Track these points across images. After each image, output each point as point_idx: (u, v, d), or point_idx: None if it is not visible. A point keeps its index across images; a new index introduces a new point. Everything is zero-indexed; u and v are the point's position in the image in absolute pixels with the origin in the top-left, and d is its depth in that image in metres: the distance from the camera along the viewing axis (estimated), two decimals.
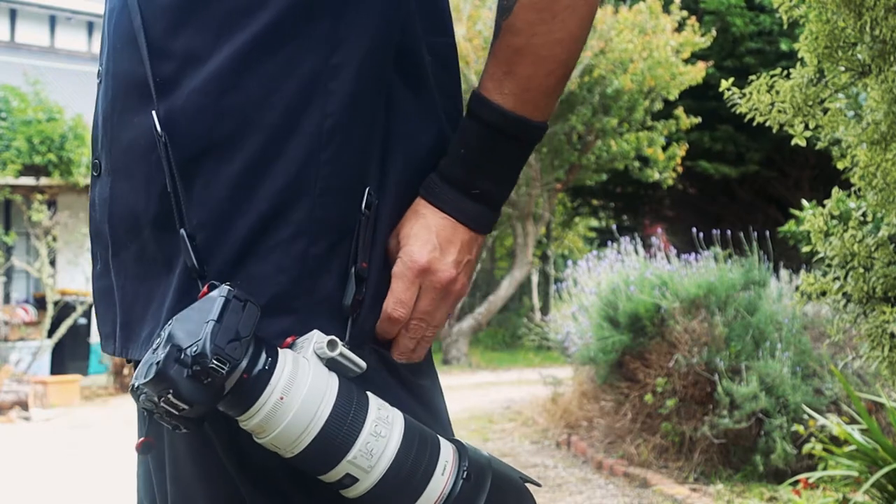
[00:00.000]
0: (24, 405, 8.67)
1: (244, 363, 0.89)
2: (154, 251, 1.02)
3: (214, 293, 0.90)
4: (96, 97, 1.11)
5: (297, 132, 0.97)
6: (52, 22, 13.97)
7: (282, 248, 0.97)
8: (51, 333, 10.33)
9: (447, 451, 0.97)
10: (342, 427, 0.91)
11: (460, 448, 0.99)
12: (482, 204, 1.02)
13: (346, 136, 0.99)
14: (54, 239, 10.50)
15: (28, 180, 10.65)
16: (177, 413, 0.89)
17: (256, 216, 0.96)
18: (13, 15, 13.80)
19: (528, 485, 1.03)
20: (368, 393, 0.95)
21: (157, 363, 0.87)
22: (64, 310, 10.43)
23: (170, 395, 0.87)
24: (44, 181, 10.68)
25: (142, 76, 1.00)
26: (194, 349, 0.87)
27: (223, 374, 0.87)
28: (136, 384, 0.89)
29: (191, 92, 0.97)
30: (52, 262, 11.07)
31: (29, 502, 5.22)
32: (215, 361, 0.86)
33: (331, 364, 0.93)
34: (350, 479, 0.92)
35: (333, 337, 0.93)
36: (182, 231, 0.96)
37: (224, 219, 0.97)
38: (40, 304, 11.03)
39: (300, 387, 0.91)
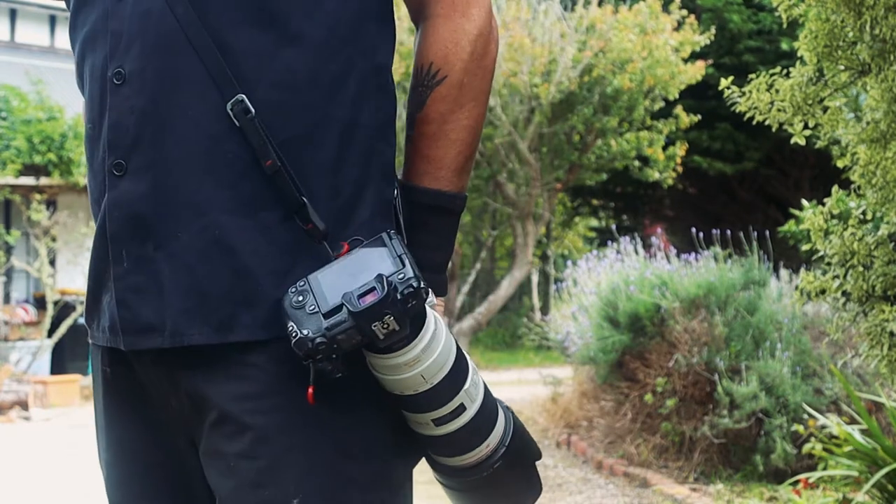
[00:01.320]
0: (24, 405, 8.66)
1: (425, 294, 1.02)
2: (221, 233, 1.08)
3: (382, 238, 1.04)
4: (108, 98, 1.12)
5: (360, 125, 1.14)
6: (52, 22, 13.97)
7: (366, 227, 1.12)
8: (51, 333, 10.32)
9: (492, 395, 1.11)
10: (462, 359, 1.05)
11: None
12: (430, 272, 1.12)
13: (392, 129, 1.19)
14: (53, 239, 10.50)
15: (28, 180, 10.64)
16: (383, 338, 0.99)
17: (344, 199, 1.12)
18: (13, 15, 13.80)
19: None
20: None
21: (372, 293, 0.98)
22: (64, 310, 10.42)
23: (388, 318, 0.98)
24: (44, 181, 10.67)
25: (200, 71, 1.08)
26: (401, 276, 1.00)
27: (425, 296, 1.01)
28: (338, 327, 0.99)
29: (269, 86, 1.09)
30: (52, 262, 11.06)
31: (29, 502, 5.22)
32: (423, 284, 1.00)
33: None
34: (461, 409, 1.04)
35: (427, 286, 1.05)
36: (304, 199, 1.08)
37: (320, 198, 1.10)
38: (40, 303, 11.02)
39: (438, 319, 1.05)
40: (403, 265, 1.00)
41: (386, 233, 1.05)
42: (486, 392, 1.07)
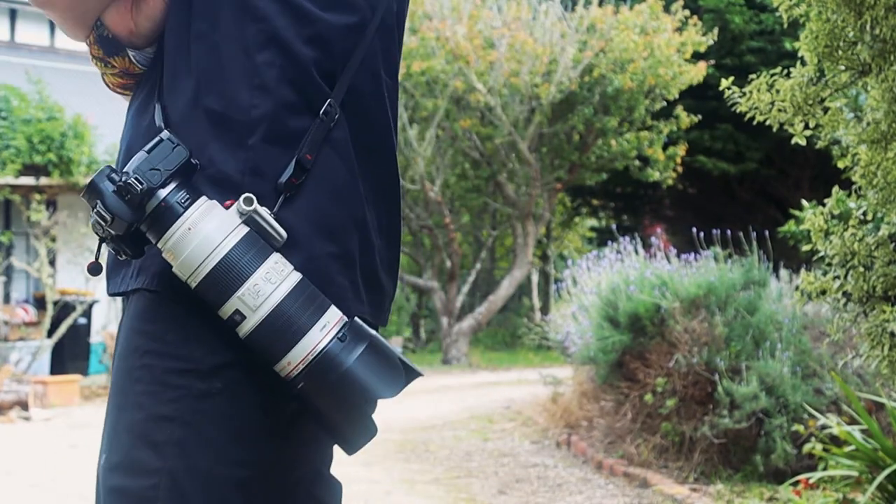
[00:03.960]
0: (23, 405, 8.66)
1: (163, 192, 1.10)
2: None
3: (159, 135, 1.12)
4: None
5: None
6: (52, 22, 13.95)
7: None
8: (51, 333, 10.32)
9: (333, 314, 1.12)
10: (236, 264, 1.09)
11: (349, 319, 1.14)
12: None
13: None
14: (53, 239, 10.49)
15: (28, 180, 10.64)
16: (104, 225, 1.09)
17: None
18: (13, 15, 13.79)
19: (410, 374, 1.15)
20: (274, 252, 1.12)
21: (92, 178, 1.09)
22: (64, 310, 10.42)
23: (98, 206, 1.09)
24: (44, 181, 10.66)
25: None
26: (120, 171, 1.10)
27: (138, 191, 1.08)
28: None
29: None
30: (52, 262, 11.06)
31: (29, 502, 5.22)
32: (134, 179, 1.08)
33: (249, 222, 1.11)
34: (239, 317, 1.09)
35: (249, 194, 1.11)
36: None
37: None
38: (40, 304, 11.01)
39: (207, 224, 1.09)
40: (132, 161, 1.10)
41: (168, 130, 1.14)
42: (291, 307, 1.09)
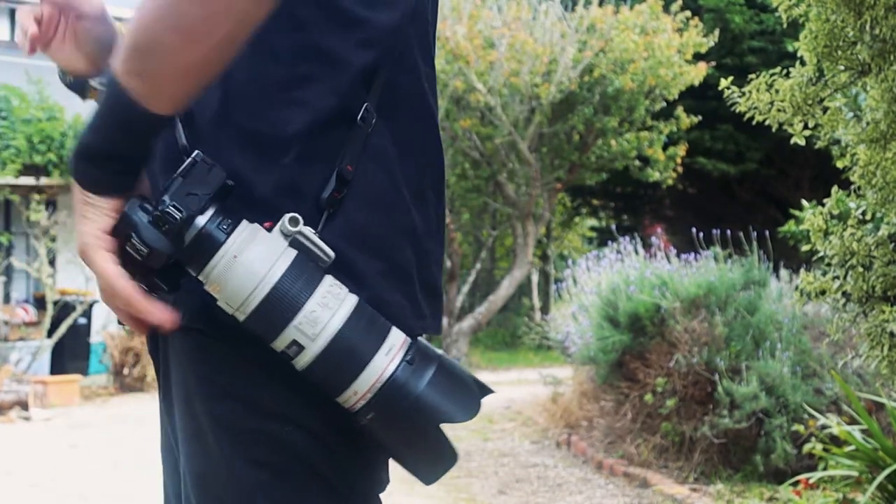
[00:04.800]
0: (23, 405, 8.66)
1: (202, 219, 0.98)
2: None
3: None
4: None
5: None
6: None
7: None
8: (51, 333, 10.32)
9: (396, 337, 1.02)
10: (289, 291, 0.98)
11: (414, 339, 1.04)
12: (77, 145, 1.04)
13: None
14: (53, 239, 10.50)
15: (28, 180, 10.64)
16: (141, 260, 0.98)
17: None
18: (13, 15, 13.78)
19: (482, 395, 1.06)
20: (328, 274, 1.02)
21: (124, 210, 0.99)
22: (64, 309, 10.42)
23: (133, 239, 0.98)
24: (44, 181, 10.67)
25: None
26: (156, 199, 0.98)
27: (178, 220, 0.97)
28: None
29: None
30: (52, 262, 11.06)
31: (29, 502, 5.22)
32: (172, 207, 0.97)
33: (295, 244, 1.01)
34: (297, 347, 0.99)
35: (294, 214, 1.00)
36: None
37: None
38: (40, 303, 11.01)
39: (253, 250, 0.99)
40: (163, 192, 0.99)
41: (198, 151, 1.01)
42: (351, 333, 0.99)
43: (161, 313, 1.01)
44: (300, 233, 1.00)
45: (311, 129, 1.05)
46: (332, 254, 1.02)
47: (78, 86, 1.19)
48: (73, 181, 1.02)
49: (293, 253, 1.00)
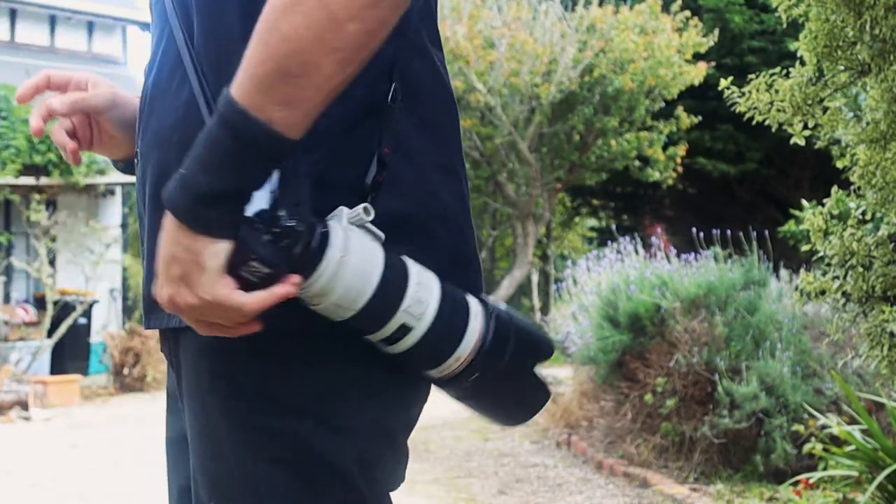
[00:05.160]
0: (23, 405, 8.66)
1: (319, 227, 0.96)
2: None
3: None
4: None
5: None
6: (52, 22, 13.95)
7: None
8: (51, 333, 10.32)
9: (471, 299, 1.05)
10: (394, 277, 0.99)
11: (481, 298, 1.07)
12: (180, 186, 0.96)
13: None
14: (53, 239, 10.50)
15: (28, 180, 10.64)
16: (256, 281, 0.94)
17: None
18: (13, 15, 13.78)
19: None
20: (403, 255, 1.03)
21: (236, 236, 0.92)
22: (64, 309, 10.42)
23: (251, 263, 0.93)
24: (44, 181, 10.67)
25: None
26: (268, 213, 0.93)
27: (302, 232, 0.94)
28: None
29: None
30: (52, 262, 11.06)
31: (29, 502, 5.22)
32: (293, 222, 0.93)
33: (368, 231, 1.00)
34: (403, 330, 0.99)
35: (367, 204, 0.99)
36: None
37: None
38: (40, 303, 11.02)
39: (355, 244, 0.97)
40: (275, 205, 0.94)
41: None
42: (446, 306, 1.01)
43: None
44: (369, 220, 1.00)
45: (349, 119, 1.03)
46: (382, 235, 1.01)
47: (130, 167, 1.22)
48: (178, 226, 0.94)
49: (376, 240, 1.00)
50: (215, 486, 1.07)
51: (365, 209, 0.99)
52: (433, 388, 1.11)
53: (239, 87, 0.92)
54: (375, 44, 0.95)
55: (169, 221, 0.94)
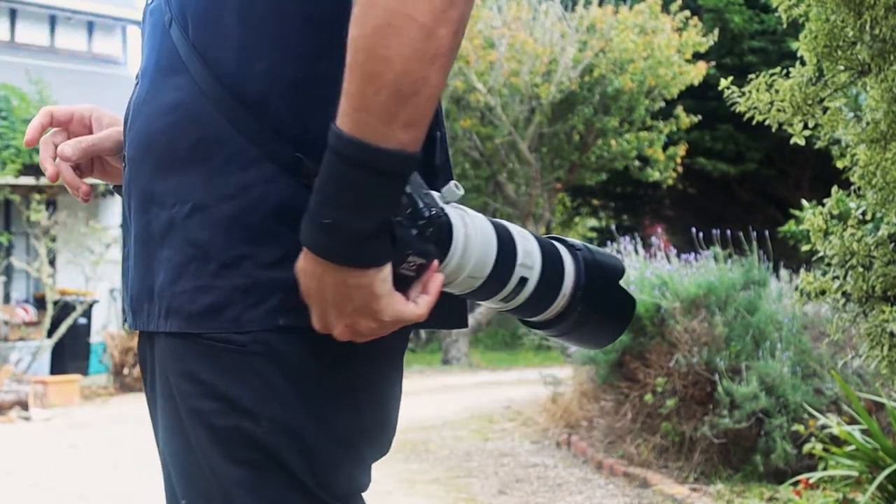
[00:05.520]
0: (23, 405, 8.66)
1: (448, 209, 1.00)
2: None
3: None
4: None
5: None
6: (52, 22, 13.96)
7: None
8: (51, 333, 10.32)
9: (549, 239, 1.13)
10: (507, 238, 1.05)
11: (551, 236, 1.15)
12: (330, 234, 0.95)
13: None
14: (53, 239, 10.50)
15: (28, 180, 10.64)
16: (413, 275, 0.98)
17: None
18: (13, 15, 13.79)
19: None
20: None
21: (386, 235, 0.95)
22: (64, 309, 10.42)
23: (409, 257, 0.96)
24: (44, 181, 10.67)
25: None
26: (409, 210, 0.96)
27: (441, 220, 0.98)
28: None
29: None
30: (52, 262, 11.06)
31: (29, 502, 5.22)
32: (434, 212, 0.97)
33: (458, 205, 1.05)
34: (522, 283, 1.07)
35: (455, 181, 1.04)
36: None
37: None
38: (40, 303, 11.02)
39: (466, 219, 1.02)
40: (413, 200, 0.96)
41: None
42: (544, 250, 1.09)
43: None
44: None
45: None
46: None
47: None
48: (339, 269, 0.95)
49: (468, 215, 1.04)
50: (188, 484, 1.09)
51: (456, 185, 1.02)
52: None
53: (357, 124, 0.92)
54: (461, 39, 0.96)
55: (328, 267, 0.95)
